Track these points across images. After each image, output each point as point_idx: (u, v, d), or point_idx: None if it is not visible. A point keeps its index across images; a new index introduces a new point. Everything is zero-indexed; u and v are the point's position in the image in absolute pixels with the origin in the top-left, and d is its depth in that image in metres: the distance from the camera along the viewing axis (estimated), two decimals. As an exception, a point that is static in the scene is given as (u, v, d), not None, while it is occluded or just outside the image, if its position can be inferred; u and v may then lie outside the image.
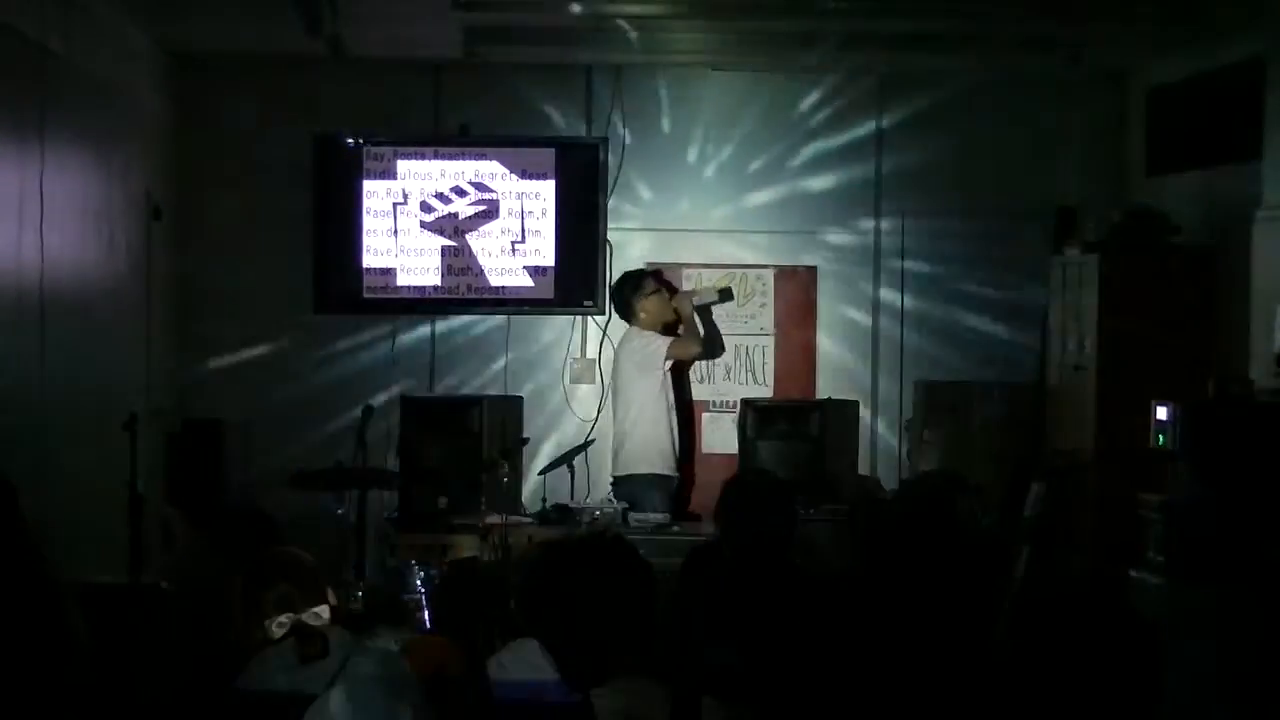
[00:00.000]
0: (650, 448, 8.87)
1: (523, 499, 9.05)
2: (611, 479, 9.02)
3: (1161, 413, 7.26)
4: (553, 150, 9.68)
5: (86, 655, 5.14)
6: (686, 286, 9.71)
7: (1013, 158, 9.79)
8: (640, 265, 9.70)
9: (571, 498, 8.52)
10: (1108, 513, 7.84)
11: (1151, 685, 3.14)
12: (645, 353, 8.97)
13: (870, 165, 9.94)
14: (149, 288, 8.83)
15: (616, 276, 9.41)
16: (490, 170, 9.63)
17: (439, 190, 9.62)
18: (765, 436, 9.01)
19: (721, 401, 9.78)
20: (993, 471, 8.84)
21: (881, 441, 9.90)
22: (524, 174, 9.64)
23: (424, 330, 9.86)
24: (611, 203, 9.76)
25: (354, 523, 7.43)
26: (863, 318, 9.95)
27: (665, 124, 9.91)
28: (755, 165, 9.93)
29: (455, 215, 9.64)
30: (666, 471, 8.93)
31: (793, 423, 9.06)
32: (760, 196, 9.93)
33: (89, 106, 7.63)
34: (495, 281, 9.66)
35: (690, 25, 8.64)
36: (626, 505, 8.55)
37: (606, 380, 9.56)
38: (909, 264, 9.94)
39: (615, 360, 9.25)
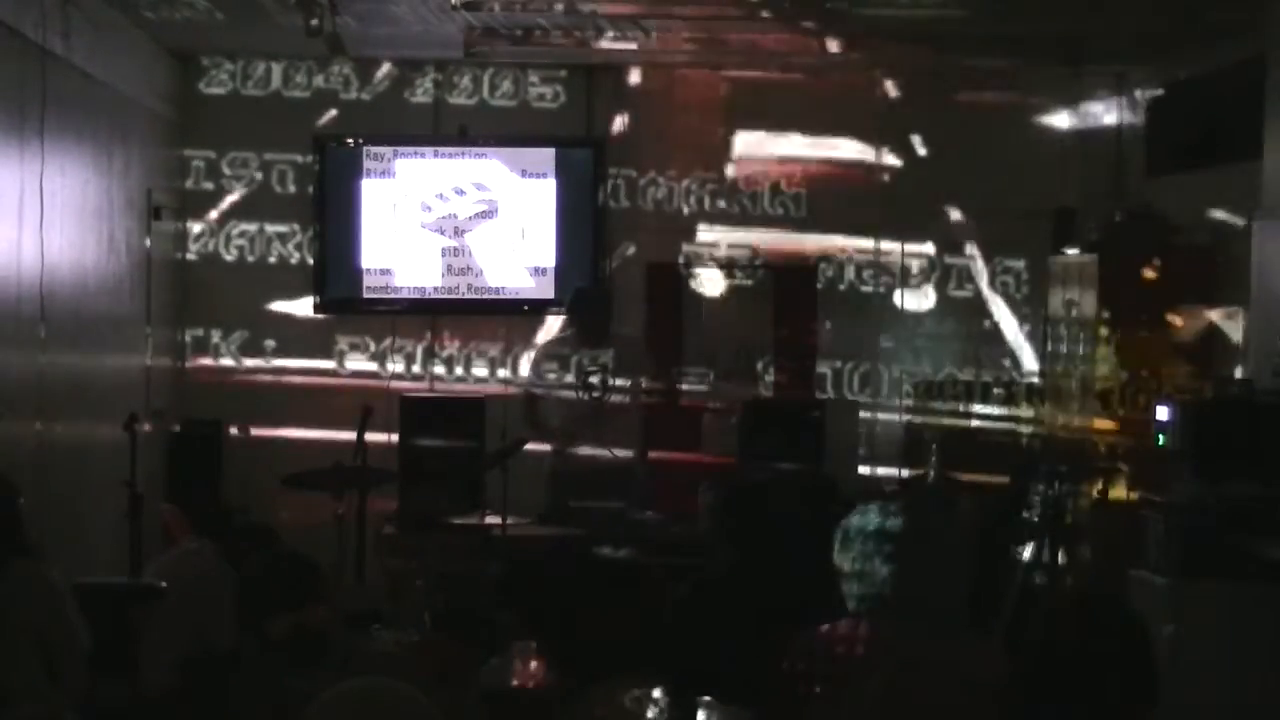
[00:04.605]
0: None
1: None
2: None
3: (1161, 413, 7.25)
4: (553, 150, 9.68)
5: (86, 655, 5.15)
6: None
7: (1013, 158, 9.79)
8: (640, 265, 9.70)
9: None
10: (1108, 513, 7.83)
11: (1151, 685, 3.14)
12: None
13: (871, 165, 9.93)
14: (149, 288, 8.82)
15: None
16: (490, 170, 9.63)
17: (439, 190, 9.61)
18: (765, 437, 8.98)
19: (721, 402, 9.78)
20: (993, 472, 8.83)
21: (881, 442, 9.89)
22: (524, 174, 9.64)
23: (424, 330, 9.85)
24: (611, 202, 9.76)
25: (354, 524, 7.42)
26: (862, 317, 9.94)
27: (665, 124, 9.90)
28: (755, 164, 9.92)
29: (455, 215, 9.64)
30: None
31: (792, 423, 9.03)
32: (760, 196, 9.93)
33: (89, 106, 7.63)
34: (495, 281, 9.66)
35: (691, 25, 8.63)
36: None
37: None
38: (909, 263, 9.94)
39: None
